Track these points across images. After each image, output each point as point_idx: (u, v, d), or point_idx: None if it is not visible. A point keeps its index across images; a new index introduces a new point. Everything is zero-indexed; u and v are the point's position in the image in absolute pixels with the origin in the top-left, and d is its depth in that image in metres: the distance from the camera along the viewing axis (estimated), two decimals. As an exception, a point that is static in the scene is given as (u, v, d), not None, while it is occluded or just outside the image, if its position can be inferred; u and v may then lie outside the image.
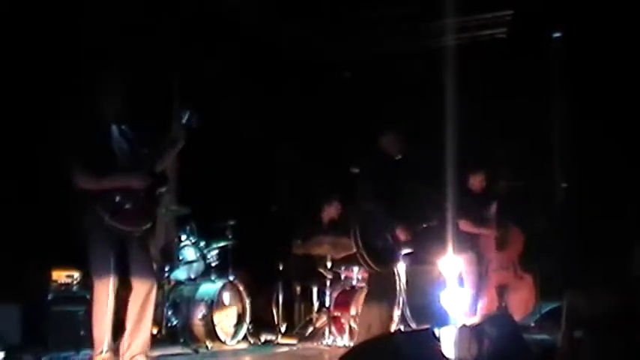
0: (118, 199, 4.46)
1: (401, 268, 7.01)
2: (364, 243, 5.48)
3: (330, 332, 6.42)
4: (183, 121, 4.77)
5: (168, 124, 5.97)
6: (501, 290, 7.09)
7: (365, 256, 5.44)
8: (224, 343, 6.24)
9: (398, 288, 5.80)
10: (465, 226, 7.05)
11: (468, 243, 7.11)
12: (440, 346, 3.97)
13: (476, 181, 7.28)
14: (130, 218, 4.51)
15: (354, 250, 5.51)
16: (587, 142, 7.18)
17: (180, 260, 6.49)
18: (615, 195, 6.69)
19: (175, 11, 7.04)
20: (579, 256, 6.72)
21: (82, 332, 5.46)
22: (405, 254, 5.67)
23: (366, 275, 6.51)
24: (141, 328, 4.61)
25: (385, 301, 5.64)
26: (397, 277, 5.76)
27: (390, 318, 5.73)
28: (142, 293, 4.61)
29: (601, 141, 6.95)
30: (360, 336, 5.79)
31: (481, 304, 7.07)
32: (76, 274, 5.64)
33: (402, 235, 5.52)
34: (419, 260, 7.40)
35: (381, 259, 5.50)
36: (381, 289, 5.66)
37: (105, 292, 4.45)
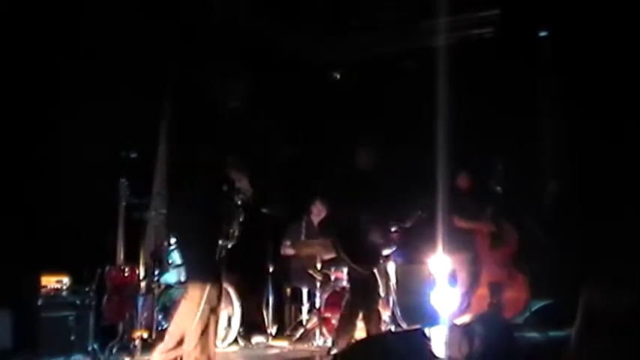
0: None
1: (391, 267, 7.06)
2: (344, 246, 5.57)
3: (320, 333, 6.43)
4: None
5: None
6: (494, 288, 7.11)
7: (346, 258, 5.54)
8: (215, 346, 6.22)
9: (378, 289, 5.92)
10: (459, 222, 7.08)
11: (462, 243, 7.12)
12: (430, 345, 3.99)
13: (462, 182, 7.30)
14: None
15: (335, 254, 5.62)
16: (575, 139, 7.20)
17: (170, 264, 6.45)
18: (606, 192, 6.72)
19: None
20: (571, 256, 6.76)
21: (72, 337, 5.46)
22: (393, 254, 5.73)
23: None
24: None
25: (365, 302, 5.69)
26: (377, 278, 5.86)
27: (379, 319, 5.77)
28: None
29: (590, 138, 6.98)
30: (340, 333, 5.82)
31: (472, 304, 7.09)
32: (66, 280, 5.62)
33: (378, 236, 5.61)
34: (409, 259, 7.43)
35: (360, 260, 5.57)
36: (361, 291, 5.71)
37: None
